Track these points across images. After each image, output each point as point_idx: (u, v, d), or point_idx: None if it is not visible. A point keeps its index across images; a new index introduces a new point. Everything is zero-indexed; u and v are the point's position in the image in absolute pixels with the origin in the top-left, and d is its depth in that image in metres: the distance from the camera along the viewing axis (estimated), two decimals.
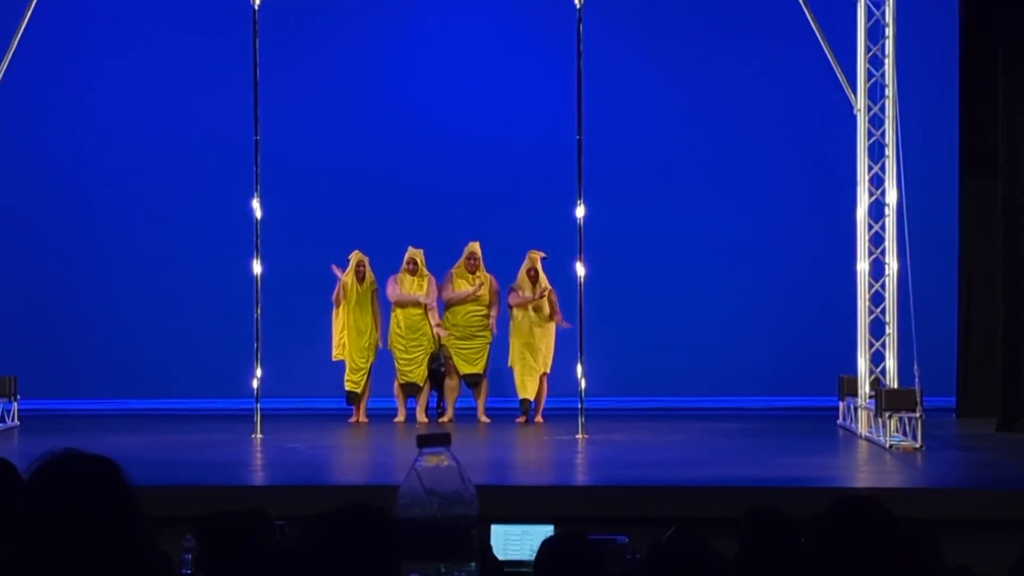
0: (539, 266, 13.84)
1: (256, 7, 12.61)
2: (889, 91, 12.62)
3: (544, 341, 13.80)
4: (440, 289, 13.92)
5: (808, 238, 15.65)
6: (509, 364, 13.92)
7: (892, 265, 12.52)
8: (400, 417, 13.91)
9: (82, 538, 2.53)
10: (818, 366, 14.64)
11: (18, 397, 13.60)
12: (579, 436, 12.21)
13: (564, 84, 13.39)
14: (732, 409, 15.11)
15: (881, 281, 12.69)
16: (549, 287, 13.80)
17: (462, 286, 13.87)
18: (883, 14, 12.63)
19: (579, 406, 12.47)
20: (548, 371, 13.83)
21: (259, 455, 11.46)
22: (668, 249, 15.93)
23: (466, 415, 13.87)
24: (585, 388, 12.67)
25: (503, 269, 13.96)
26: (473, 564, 2.91)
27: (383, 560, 2.84)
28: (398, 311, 13.90)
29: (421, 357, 13.83)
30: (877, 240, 12.69)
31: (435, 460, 2.93)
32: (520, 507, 8.20)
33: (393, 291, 13.88)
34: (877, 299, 12.71)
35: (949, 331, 14.51)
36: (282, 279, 14.61)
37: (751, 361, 15.78)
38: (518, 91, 16.10)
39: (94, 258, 16.07)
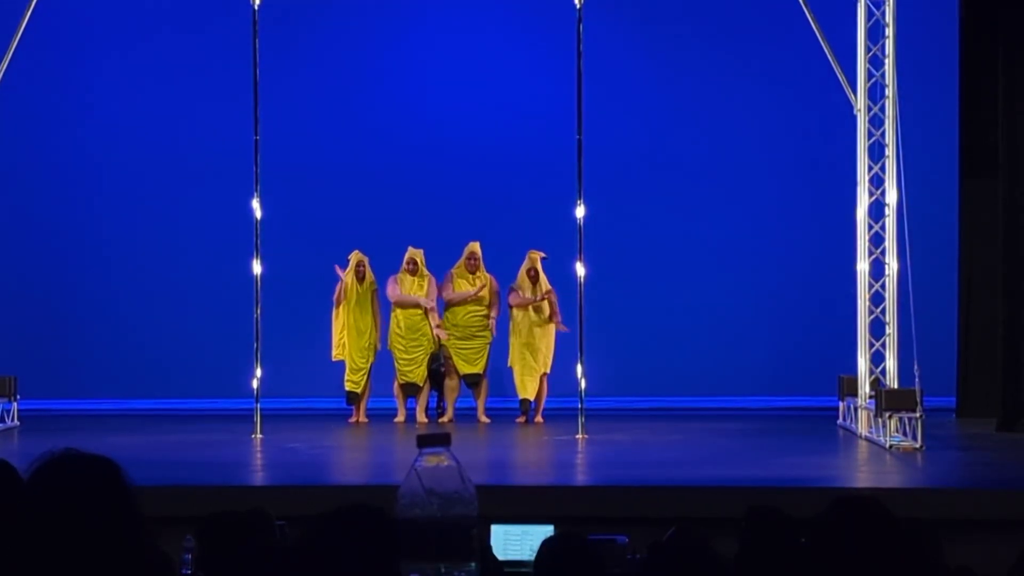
0: (539, 266, 13.84)
1: (256, 7, 12.61)
2: (889, 91, 12.62)
3: (544, 341, 13.80)
4: (440, 289, 13.92)
5: (808, 238, 15.65)
6: (509, 364, 13.92)
7: (892, 265, 12.52)
8: (400, 417, 13.91)
9: (82, 538, 2.53)
10: (818, 366, 14.64)
11: (18, 397, 13.60)
12: (579, 436, 12.21)
13: (564, 84, 13.39)
14: (732, 409, 15.11)
15: (881, 281, 12.69)
16: (550, 288, 13.80)
17: (462, 286, 13.87)
18: (883, 14, 12.63)
19: (579, 406, 12.47)
20: (548, 371, 13.83)
21: (259, 455, 11.46)
22: (668, 249, 15.93)
23: (466, 415, 13.87)
24: (585, 388, 12.67)
25: (503, 269, 13.96)
26: (473, 564, 2.91)
27: (383, 560, 2.84)
28: (398, 311, 13.90)
29: (421, 357, 13.83)
30: (877, 240, 12.69)
31: (435, 460, 2.93)
32: (520, 507, 8.20)
33: (393, 291, 13.88)
34: (877, 299, 12.71)
35: (949, 331, 14.51)
36: (282, 279, 14.62)
37: (751, 361, 15.78)
38: (518, 91, 16.10)
39: (94, 258, 16.07)
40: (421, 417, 13.82)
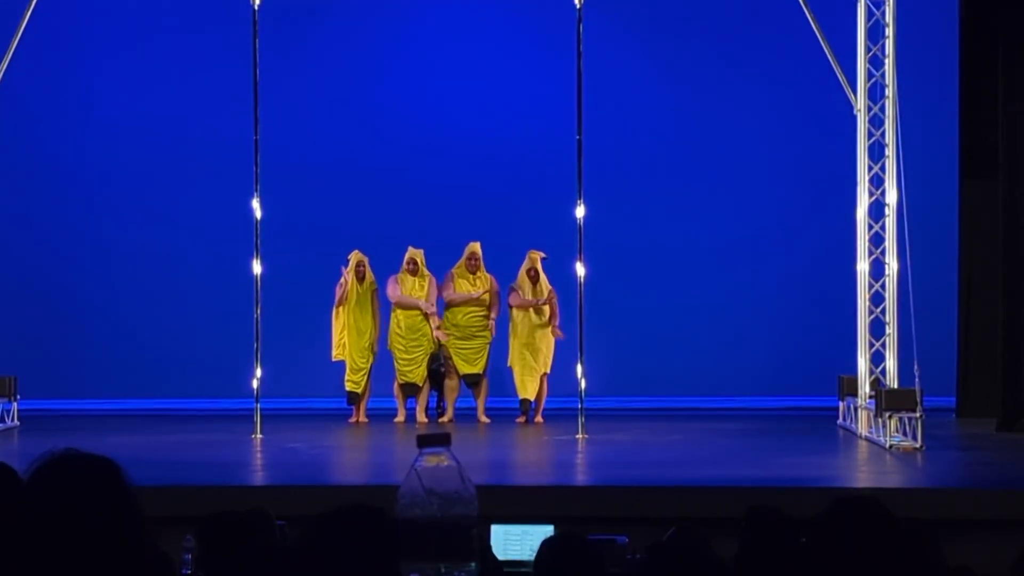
0: (539, 266, 13.84)
1: (256, 7, 12.60)
2: (889, 91, 12.62)
3: (544, 341, 13.80)
4: (440, 289, 13.92)
5: (808, 238, 15.65)
6: (508, 364, 13.91)
7: (892, 265, 12.52)
8: (400, 417, 13.91)
9: (82, 538, 2.53)
10: (818, 366, 14.64)
11: (18, 397, 13.60)
12: (579, 436, 12.20)
13: (564, 84, 13.39)
14: (732, 409, 15.11)
15: (881, 281, 12.69)
16: (550, 288, 13.80)
17: (463, 286, 13.86)
18: (883, 14, 12.63)
19: (579, 406, 12.46)
20: (548, 371, 13.83)
21: (259, 455, 11.46)
22: (668, 249, 15.93)
23: (466, 415, 13.87)
24: (585, 388, 12.67)
25: (503, 269, 13.96)
26: (473, 564, 2.91)
27: (383, 560, 2.84)
28: (398, 311, 13.90)
29: (421, 357, 13.83)
30: (877, 240, 12.69)
31: (435, 460, 2.93)
32: (520, 507, 8.19)
33: (394, 291, 13.88)
34: (877, 299, 12.71)
35: (949, 331, 14.51)
36: (282, 279, 14.62)
37: (751, 361, 15.78)
38: (518, 91, 16.10)
39: (94, 258, 16.07)
40: (421, 417, 13.82)
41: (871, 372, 12.68)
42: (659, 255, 15.93)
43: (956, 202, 14.67)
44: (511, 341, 13.84)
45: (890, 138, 12.59)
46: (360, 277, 13.84)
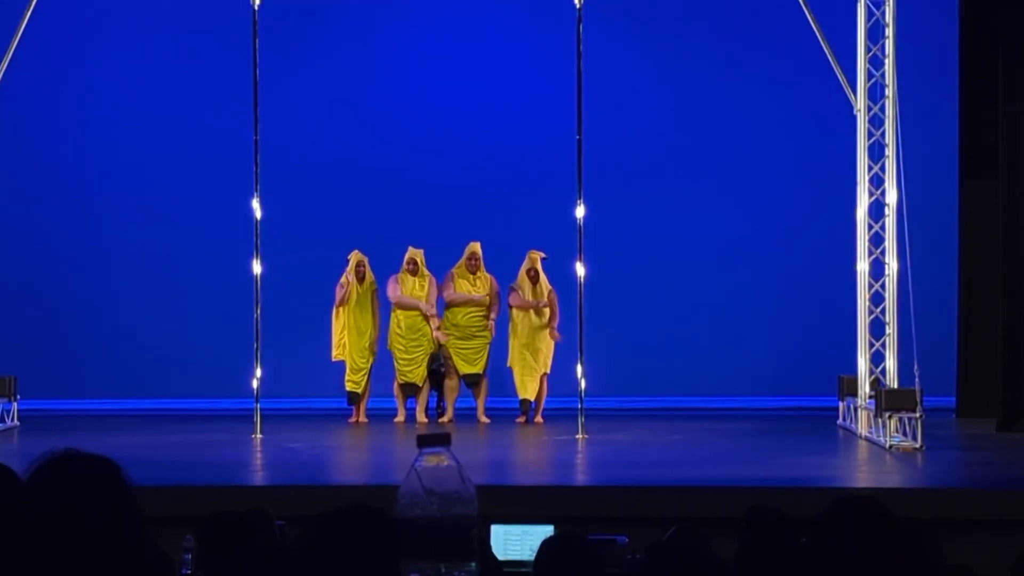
0: (539, 266, 13.84)
1: (256, 7, 12.60)
2: (889, 91, 12.62)
3: (544, 342, 13.79)
4: (441, 289, 13.93)
5: (808, 238, 15.64)
6: (508, 364, 13.91)
7: (892, 265, 12.52)
8: (400, 417, 13.91)
9: (82, 538, 2.53)
10: (818, 366, 14.64)
11: (18, 397, 13.60)
12: (579, 436, 12.20)
13: (564, 84, 13.39)
14: (732, 409, 15.11)
15: (881, 281, 12.69)
16: (550, 288, 13.80)
17: (463, 286, 13.86)
18: (883, 14, 12.63)
19: (579, 406, 12.46)
20: (548, 371, 13.83)
21: (259, 455, 11.46)
22: (668, 249, 15.93)
23: (466, 415, 13.87)
24: (585, 388, 12.67)
25: (503, 269, 13.96)
26: (473, 564, 2.91)
27: (383, 560, 2.84)
28: (398, 311, 13.90)
29: (421, 357, 13.83)
30: (877, 240, 12.69)
31: (435, 460, 2.93)
32: (520, 507, 8.20)
33: (394, 292, 13.87)
34: (877, 299, 12.71)
35: (949, 331, 14.51)
36: (282, 279, 14.61)
37: (751, 361, 15.77)
38: (518, 91, 16.10)
39: (94, 258, 16.07)
40: (421, 417, 13.82)
41: (871, 372, 12.69)
42: (659, 255, 15.93)
43: (956, 202, 14.67)
44: (511, 341, 13.84)
45: (890, 138, 12.59)
46: (360, 277, 13.84)
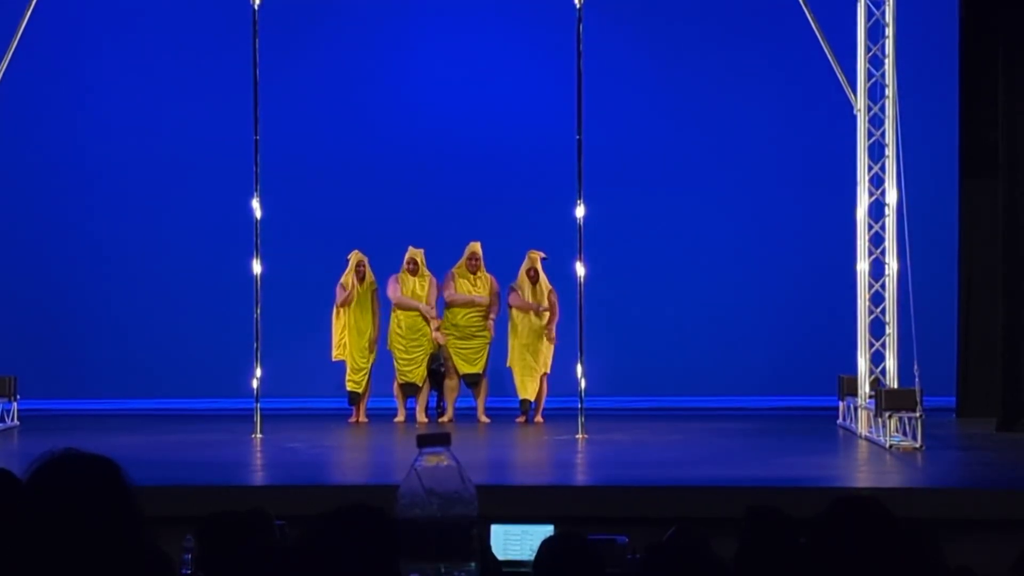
0: (539, 266, 13.84)
1: (256, 7, 12.60)
2: (889, 91, 12.62)
3: (544, 342, 13.79)
4: (441, 289, 13.93)
5: (808, 238, 15.65)
6: (508, 364, 13.91)
7: (892, 265, 12.52)
8: (400, 417, 13.91)
9: (82, 538, 2.53)
10: (818, 366, 14.64)
11: (18, 397, 13.60)
12: (579, 436, 12.20)
13: (564, 84, 13.39)
14: (732, 409, 15.10)
15: (881, 281, 12.69)
16: (550, 288, 13.80)
17: (463, 286, 13.86)
18: (883, 14, 12.63)
19: (579, 406, 12.46)
20: (548, 371, 13.83)
21: (259, 455, 11.46)
22: (668, 249, 15.93)
23: (466, 415, 13.87)
24: (585, 388, 12.67)
25: (503, 269, 13.96)
26: (473, 564, 2.91)
27: (383, 560, 2.84)
28: (398, 311, 13.90)
29: (421, 357, 13.83)
30: (877, 240, 12.69)
31: (435, 460, 2.93)
32: (520, 507, 8.20)
33: (394, 292, 13.88)
34: (877, 299, 12.71)
35: (949, 331, 14.51)
36: (282, 279, 14.61)
37: (751, 361, 15.77)
38: (518, 91, 16.10)
39: (94, 258, 16.07)
40: (421, 417, 13.82)
41: (871, 372, 12.69)
42: (659, 255, 15.93)
43: (956, 202, 14.67)
44: (511, 341, 13.84)
45: (890, 138, 12.59)
46: (360, 277, 13.85)
